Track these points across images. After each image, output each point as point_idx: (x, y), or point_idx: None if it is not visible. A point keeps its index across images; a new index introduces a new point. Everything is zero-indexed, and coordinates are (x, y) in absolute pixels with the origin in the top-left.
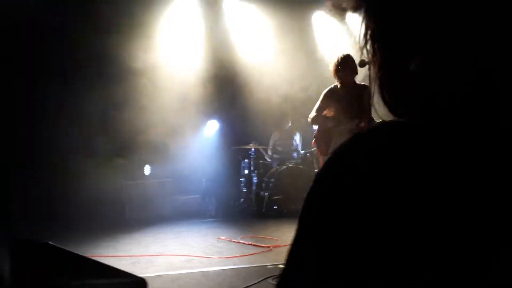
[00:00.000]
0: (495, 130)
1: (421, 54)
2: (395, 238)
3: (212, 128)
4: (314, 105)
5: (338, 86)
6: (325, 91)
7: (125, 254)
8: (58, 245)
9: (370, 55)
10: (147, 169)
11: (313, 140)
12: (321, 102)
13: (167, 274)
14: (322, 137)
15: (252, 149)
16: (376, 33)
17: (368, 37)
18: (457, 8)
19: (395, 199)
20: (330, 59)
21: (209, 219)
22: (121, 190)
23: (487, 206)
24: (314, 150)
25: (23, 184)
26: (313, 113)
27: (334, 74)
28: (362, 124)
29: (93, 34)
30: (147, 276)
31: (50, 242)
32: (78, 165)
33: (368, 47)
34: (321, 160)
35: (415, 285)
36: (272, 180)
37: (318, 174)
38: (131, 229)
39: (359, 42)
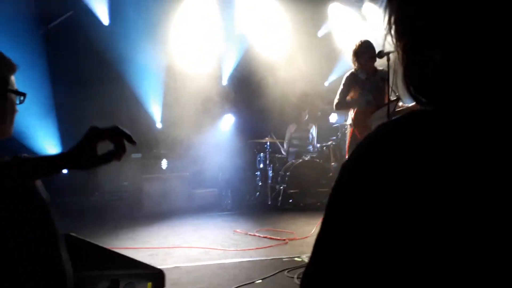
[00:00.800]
0: (500, 129)
1: (440, 47)
2: (406, 240)
3: (228, 122)
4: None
5: (359, 71)
6: (347, 75)
7: (143, 246)
8: (80, 237)
9: (394, 40)
10: (164, 163)
11: (352, 116)
12: (344, 86)
13: (184, 266)
14: (359, 122)
15: (268, 143)
16: (400, 20)
17: (391, 23)
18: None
19: (409, 201)
20: (346, 50)
21: (225, 212)
22: (139, 183)
23: (496, 209)
24: (331, 143)
25: (49, 180)
26: (337, 99)
27: (354, 59)
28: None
29: (114, 37)
30: (164, 268)
31: (73, 234)
32: None
33: (393, 32)
34: (353, 132)
35: (424, 287)
36: (287, 173)
37: (343, 167)
38: (149, 222)
39: (383, 29)
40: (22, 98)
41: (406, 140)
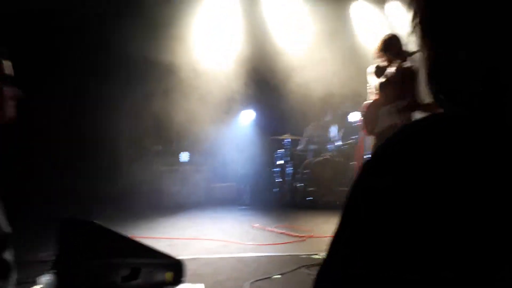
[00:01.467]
0: (500, 130)
1: (467, 47)
2: (421, 237)
3: (248, 118)
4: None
5: (384, 65)
6: (371, 68)
7: (163, 236)
8: (103, 224)
9: (418, 40)
10: (184, 157)
11: (360, 119)
12: (371, 78)
13: (203, 257)
14: (368, 116)
15: (287, 140)
16: (425, 19)
17: (416, 23)
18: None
19: (428, 199)
20: (369, 49)
21: (244, 207)
22: (159, 175)
23: (500, 209)
24: (352, 142)
25: (76, 171)
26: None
27: (379, 53)
28: (407, 104)
29: (135, 38)
30: (183, 259)
31: (95, 221)
32: (122, 150)
33: (417, 32)
34: (363, 141)
35: (435, 284)
36: (307, 171)
37: (361, 167)
38: (168, 213)
39: (408, 28)
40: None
41: (424, 142)
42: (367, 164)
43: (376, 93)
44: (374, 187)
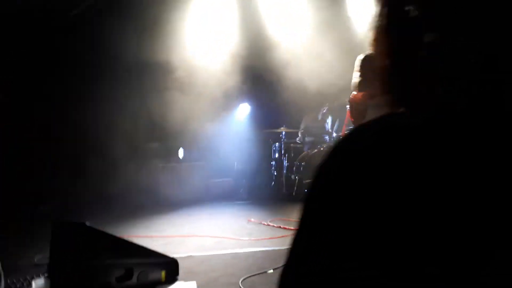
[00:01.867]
0: (499, 118)
1: (428, 39)
2: (400, 233)
3: (244, 111)
4: (350, 90)
5: (373, 55)
6: (360, 58)
7: (159, 234)
8: (94, 226)
9: (376, 37)
10: (180, 153)
11: (347, 111)
12: (361, 71)
13: (197, 255)
14: (356, 109)
15: (283, 133)
16: (384, 14)
17: (376, 18)
18: None
19: (398, 194)
20: (366, 40)
21: (240, 202)
22: (156, 172)
23: (495, 203)
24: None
25: (72, 170)
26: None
27: (374, 44)
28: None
29: (128, 36)
30: (178, 257)
31: (87, 223)
32: (117, 149)
33: (376, 28)
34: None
35: (419, 281)
36: (302, 163)
37: (321, 164)
38: (165, 210)
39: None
40: None
41: (385, 140)
42: (322, 161)
43: (365, 86)
44: (319, 184)
